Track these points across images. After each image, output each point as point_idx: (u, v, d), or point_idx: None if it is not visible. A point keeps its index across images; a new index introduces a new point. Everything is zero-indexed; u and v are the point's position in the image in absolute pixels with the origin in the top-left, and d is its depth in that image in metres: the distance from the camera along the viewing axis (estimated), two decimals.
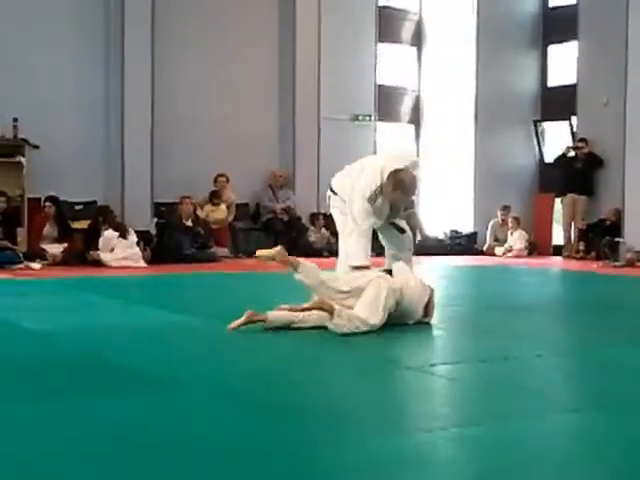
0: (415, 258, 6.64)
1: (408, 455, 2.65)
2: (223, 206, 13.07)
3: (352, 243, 5.92)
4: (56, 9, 12.38)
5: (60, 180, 11.86)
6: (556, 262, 13.65)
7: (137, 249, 11.06)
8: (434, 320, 5.45)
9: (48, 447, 2.67)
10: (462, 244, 15.27)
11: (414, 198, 13.43)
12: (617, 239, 12.59)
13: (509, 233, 14.97)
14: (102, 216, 11.21)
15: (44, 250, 10.99)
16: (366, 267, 5.64)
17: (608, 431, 2.97)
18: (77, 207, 12.12)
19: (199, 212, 12.85)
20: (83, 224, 11.58)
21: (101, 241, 10.90)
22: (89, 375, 3.88)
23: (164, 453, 2.62)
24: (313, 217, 13.82)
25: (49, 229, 11.30)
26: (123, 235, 10.95)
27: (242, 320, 4.93)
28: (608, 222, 13.60)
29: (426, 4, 16.06)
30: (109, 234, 10.92)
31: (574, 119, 14.94)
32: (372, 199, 5.81)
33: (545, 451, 2.73)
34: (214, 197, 13.05)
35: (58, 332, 5.14)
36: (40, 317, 5.83)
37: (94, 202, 12.08)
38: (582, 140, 14.32)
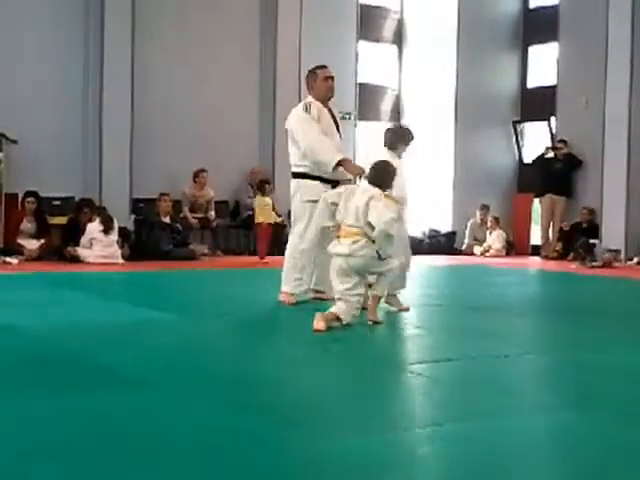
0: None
1: (387, 453, 2.63)
2: (268, 199, 12.01)
3: (315, 143, 6.58)
4: (34, 3, 12.27)
5: (37, 175, 11.73)
6: (534, 262, 13.70)
7: (116, 247, 10.95)
8: (414, 319, 5.41)
9: (17, 443, 2.64)
10: (441, 243, 15.29)
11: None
12: (592, 241, 12.63)
13: (488, 233, 15.00)
14: (88, 208, 11.12)
15: (21, 246, 10.89)
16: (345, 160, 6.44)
17: (584, 430, 2.98)
18: (55, 203, 12.01)
19: (255, 207, 12.03)
20: (61, 220, 11.49)
21: (86, 231, 10.78)
22: (63, 371, 3.85)
23: (135, 450, 2.59)
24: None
25: (27, 224, 11.19)
26: (107, 230, 10.81)
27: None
28: (585, 224, 13.66)
29: (407, 3, 16.06)
30: (92, 226, 10.81)
31: (553, 120, 15.02)
32: (305, 109, 6.81)
33: (523, 449, 2.73)
34: (263, 186, 11.95)
35: (34, 328, 5.09)
36: (16, 312, 5.78)
37: (72, 198, 11.97)
38: (561, 141, 14.38)
